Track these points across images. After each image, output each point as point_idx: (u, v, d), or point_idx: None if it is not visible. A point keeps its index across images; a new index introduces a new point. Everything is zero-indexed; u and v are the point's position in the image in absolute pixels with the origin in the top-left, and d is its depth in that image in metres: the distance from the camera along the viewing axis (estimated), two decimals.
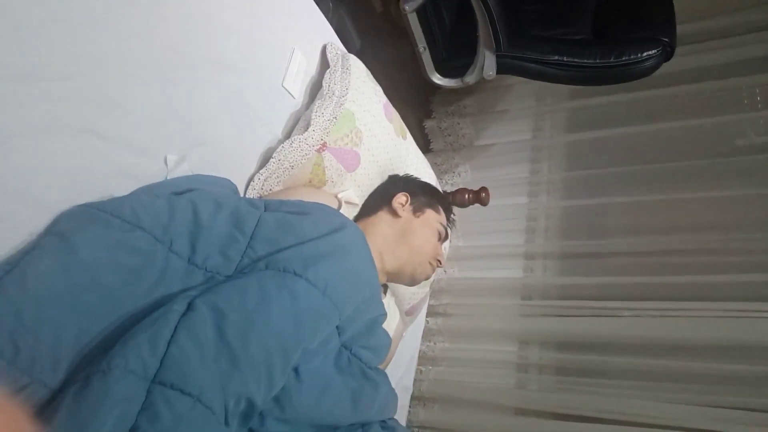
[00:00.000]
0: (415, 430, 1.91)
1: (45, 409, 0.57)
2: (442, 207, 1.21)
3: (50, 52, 0.70)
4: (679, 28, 1.74)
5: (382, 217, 1.13)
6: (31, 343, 0.58)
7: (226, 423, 0.61)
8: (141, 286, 0.68)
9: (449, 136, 2.53)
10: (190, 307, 0.64)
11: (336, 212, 0.99)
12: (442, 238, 1.18)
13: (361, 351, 0.86)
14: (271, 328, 0.67)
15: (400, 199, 1.14)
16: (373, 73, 1.35)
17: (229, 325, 0.63)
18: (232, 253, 0.77)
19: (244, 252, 0.77)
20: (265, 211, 0.86)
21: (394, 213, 1.12)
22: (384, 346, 0.94)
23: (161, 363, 0.58)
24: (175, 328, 0.61)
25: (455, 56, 1.96)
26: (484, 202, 1.67)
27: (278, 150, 1.04)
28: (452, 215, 1.30)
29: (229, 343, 0.62)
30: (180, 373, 0.58)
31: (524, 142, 2.41)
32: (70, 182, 0.72)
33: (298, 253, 0.78)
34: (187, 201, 0.79)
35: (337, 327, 0.80)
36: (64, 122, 0.71)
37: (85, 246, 0.65)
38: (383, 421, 0.89)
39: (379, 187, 1.23)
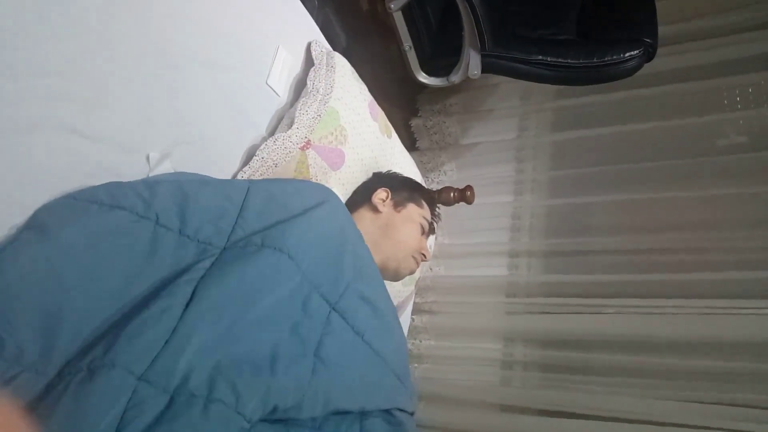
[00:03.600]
0: None
1: (42, 397, 0.56)
2: (425, 201, 1.21)
3: (31, 49, 0.69)
4: (661, 30, 1.75)
5: (364, 214, 1.13)
6: (17, 334, 0.57)
7: (246, 419, 0.61)
8: (130, 265, 0.67)
9: (435, 134, 2.54)
10: (191, 299, 0.64)
11: (320, 186, 0.99)
12: (426, 232, 1.18)
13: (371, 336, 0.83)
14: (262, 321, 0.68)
15: (380, 195, 1.14)
16: (358, 72, 1.35)
17: (227, 322, 0.64)
18: (223, 225, 0.76)
19: (236, 222, 0.77)
20: (251, 185, 0.87)
21: (375, 209, 1.13)
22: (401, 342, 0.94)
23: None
24: (175, 327, 0.61)
25: (441, 55, 1.96)
26: (469, 201, 1.67)
27: (262, 148, 1.04)
28: (437, 209, 1.30)
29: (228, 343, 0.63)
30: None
31: (509, 141, 2.42)
32: (52, 181, 0.71)
33: (290, 229, 0.79)
34: (171, 179, 0.80)
35: (334, 308, 0.79)
36: (46, 120, 0.70)
37: (65, 234, 0.64)
38: (389, 414, 0.79)
39: (361, 185, 1.23)
